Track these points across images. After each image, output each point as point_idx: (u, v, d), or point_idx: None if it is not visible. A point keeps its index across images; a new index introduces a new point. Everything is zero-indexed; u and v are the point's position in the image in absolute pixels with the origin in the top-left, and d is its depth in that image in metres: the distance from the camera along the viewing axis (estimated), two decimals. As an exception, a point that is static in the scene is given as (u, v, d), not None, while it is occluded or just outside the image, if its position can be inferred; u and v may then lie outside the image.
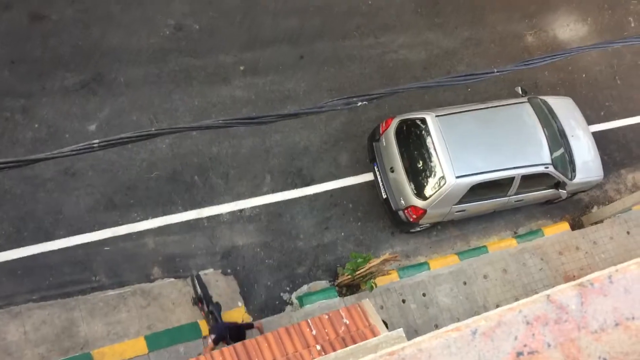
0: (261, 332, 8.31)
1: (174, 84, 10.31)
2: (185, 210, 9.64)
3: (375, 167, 10.22)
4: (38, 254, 8.83)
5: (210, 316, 8.58)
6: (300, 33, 11.28)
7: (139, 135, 4.89)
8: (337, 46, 11.37)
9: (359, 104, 5.21)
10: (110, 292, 8.88)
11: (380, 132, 10.17)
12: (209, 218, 9.69)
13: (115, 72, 10.10)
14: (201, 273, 9.21)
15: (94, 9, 10.43)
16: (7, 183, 9.04)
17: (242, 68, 10.73)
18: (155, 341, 8.66)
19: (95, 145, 4.63)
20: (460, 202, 9.63)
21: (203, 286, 8.84)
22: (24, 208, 9.02)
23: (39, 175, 9.16)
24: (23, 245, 8.84)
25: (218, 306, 8.67)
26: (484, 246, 10.74)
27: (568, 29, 12.90)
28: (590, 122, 11.42)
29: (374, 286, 9.37)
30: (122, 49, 10.29)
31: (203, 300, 8.70)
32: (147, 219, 9.42)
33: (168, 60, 10.43)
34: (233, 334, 8.17)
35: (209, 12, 10.98)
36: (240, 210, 9.83)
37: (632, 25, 13.32)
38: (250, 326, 8.55)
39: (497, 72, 6.35)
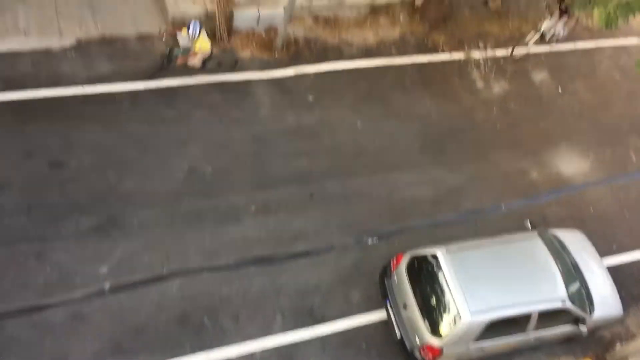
0: None
1: (186, 224, 10.46)
2: (194, 352, 9.36)
3: (388, 304, 10.02)
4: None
5: None
6: (310, 173, 11.62)
7: (150, 278, 4.90)
8: (345, 184, 11.65)
9: (369, 241, 5.25)
10: None
11: (392, 268, 10.10)
12: (217, 362, 9.39)
13: (129, 215, 10.32)
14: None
15: (111, 155, 10.90)
16: (13, 329, 8.88)
17: (253, 208, 10.94)
18: None
19: (106, 289, 4.64)
20: (477, 340, 9.32)
21: None
22: (29, 356, 8.79)
23: (46, 320, 9.02)
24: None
25: None
26: (506, 387, 10.21)
27: (571, 165, 13.21)
28: (602, 255, 11.31)
29: None
30: (137, 192, 10.60)
31: None
32: (154, 363, 9.14)
33: (181, 202, 10.68)
34: None
35: (221, 155, 11.42)
36: (251, 354, 9.53)
37: (634, 160, 13.63)
38: None
39: (505, 208, 6.45)
